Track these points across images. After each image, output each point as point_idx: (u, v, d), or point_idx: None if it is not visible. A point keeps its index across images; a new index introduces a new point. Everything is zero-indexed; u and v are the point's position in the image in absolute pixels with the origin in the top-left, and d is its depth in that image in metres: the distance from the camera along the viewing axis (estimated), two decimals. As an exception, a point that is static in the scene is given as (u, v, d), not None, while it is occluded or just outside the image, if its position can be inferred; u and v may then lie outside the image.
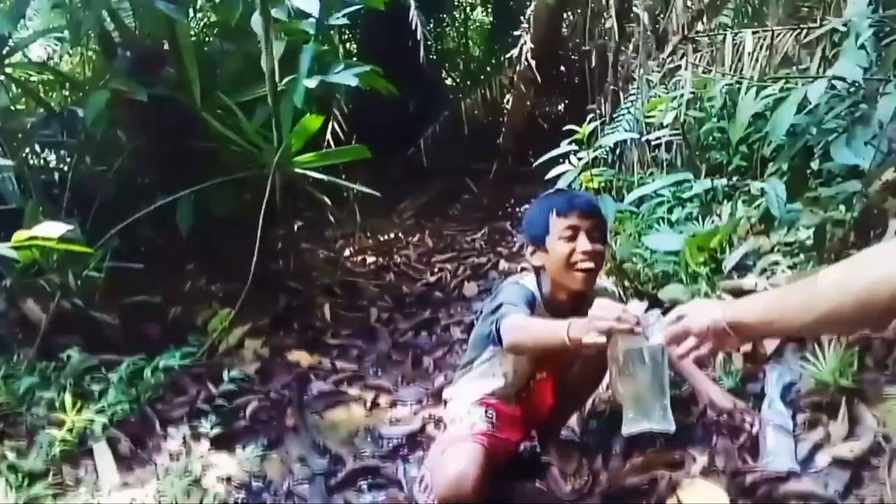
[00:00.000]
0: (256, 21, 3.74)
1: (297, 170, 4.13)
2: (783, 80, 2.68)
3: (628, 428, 1.84)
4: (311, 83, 3.98)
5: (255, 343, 3.82)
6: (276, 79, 3.90)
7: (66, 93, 4.95)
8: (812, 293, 1.35)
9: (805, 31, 3.53)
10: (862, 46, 2.35)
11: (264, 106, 4.08)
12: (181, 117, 4.07)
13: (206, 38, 5.33)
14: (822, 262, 2.72)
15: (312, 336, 4.12)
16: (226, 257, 4.53)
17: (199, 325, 3.86)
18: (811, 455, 2.23)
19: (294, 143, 4.05)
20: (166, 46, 4.21)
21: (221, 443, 2.89)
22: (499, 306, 2.19)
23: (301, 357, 3.77)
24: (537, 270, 2.38)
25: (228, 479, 2.67)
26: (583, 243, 2.20)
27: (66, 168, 4.21)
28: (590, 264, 2.21)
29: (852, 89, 2.35)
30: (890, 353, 2.29)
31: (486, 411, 2.40)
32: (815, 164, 2.85)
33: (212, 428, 2.90)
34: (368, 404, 3.36)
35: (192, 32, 4.82)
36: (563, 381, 2.53)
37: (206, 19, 5.81)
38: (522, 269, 4.99)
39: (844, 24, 2.65)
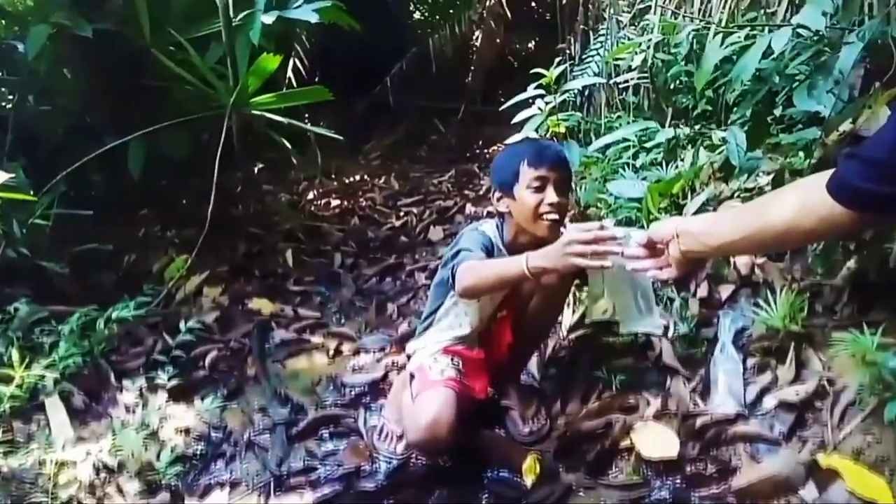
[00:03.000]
0: (209, -51, 3.65)
1: (254, 111, 4.09)
2: (749, 28, 2.71)
3: (626, 329, 2.16)
4: (269, 18, 3.93)
5: (213, 291, 3.84)
6: (231, 13, 3.85)
7: (4, 23, 4.81)
8: (750, 212, 1.60)
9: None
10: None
11: (219, 42, 4.03)
12: (129, 54, 3.99)
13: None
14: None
15: (273, 283, 4.15)
16: (181, 202, 4.52)
17: (155, 273, 3.88)
18: (759, 398, 2.37)
19: (251, 83, 4.01)
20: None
21: (179, 394, 2.93)
22: (457, 253, 2.29)
23: (262, 305, 3.79)
24: (501, 215, 2.47)
25: (187, 431, 2.72)
26: (550, 195, 2.28)
27: (7, 107, 4.10)
28: (556, 216, 2.30)
29: (816, 37, 2.40)
30: (839, 300, 2.40)
31: (452, 359, 2.49)
32: (776, 111, 2.92)
33: (169, 379, 2.94)
34: (331, 352, 3.41)
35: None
36: (520, 318, 2.62)
37: (155, -54, 5.64)
38: (489, 213, 5.06)
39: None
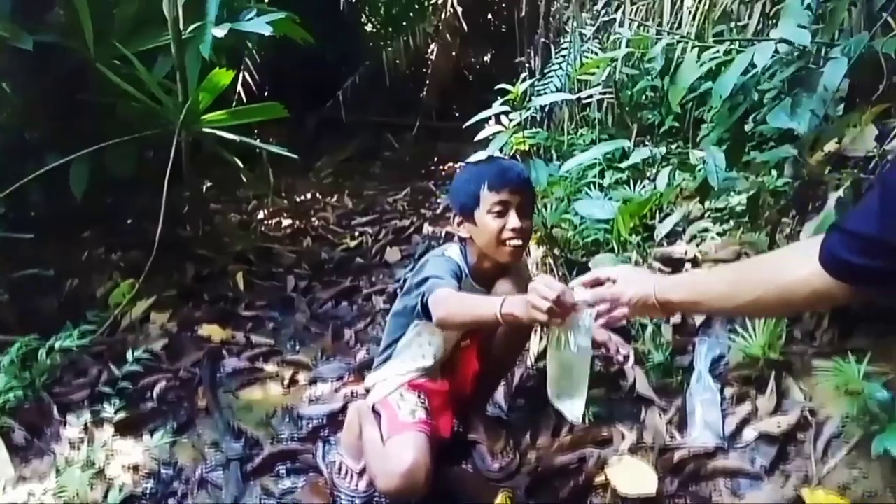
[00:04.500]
0: (157, -41, 3.57)
1: (206, 129, 4.01)
2: (727, 42, 2.73)
3: (550, 397, 2.03)
4: (220, 31, 3.86)
5: (161, 317, 3.75)
6: (181, 26, 3.77)
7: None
8: (737, 283, 1.54)
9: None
10: (808, 6, 2.42)
11: (167, 56, 3.95)
12: (72, 68, 3.89)
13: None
14: (755, 230, 2.84)
15: (224, 308, 4.06)
16: (127, 223, 4.40)
17: (99, 298, 3.77)
18: (738, 430, 2.36)
19: (202, 99, 3.93)
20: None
21: (126, 428, 2.83)
22: (424, 280, 2.24)
23: (212, 331, 3.71)
24: (463, 240, 2.45)
25: (135, 468, 2.63)
26: (513, 220, 2.26)
27: (-59, 124, 3.97)
28: (519, 242, 2.29)
29: (797, 53, 2.41)
30: (819, 326, 2.41)
31: (419, 396, 2.45)
32: (748, 128, 2.94)
33: (116, 412, 2.84)
34: (286, 382, 3.33)
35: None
36: (486, 347, 2.59)
37: (99, -45, 5.53)
38: (447, 233, 5.03)
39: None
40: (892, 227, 1.15)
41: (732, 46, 2.49)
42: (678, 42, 2.87)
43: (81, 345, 3.12)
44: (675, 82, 2.48)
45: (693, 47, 2.50)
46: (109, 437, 2.76)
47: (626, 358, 2.54)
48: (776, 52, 2.30)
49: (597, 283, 1.83)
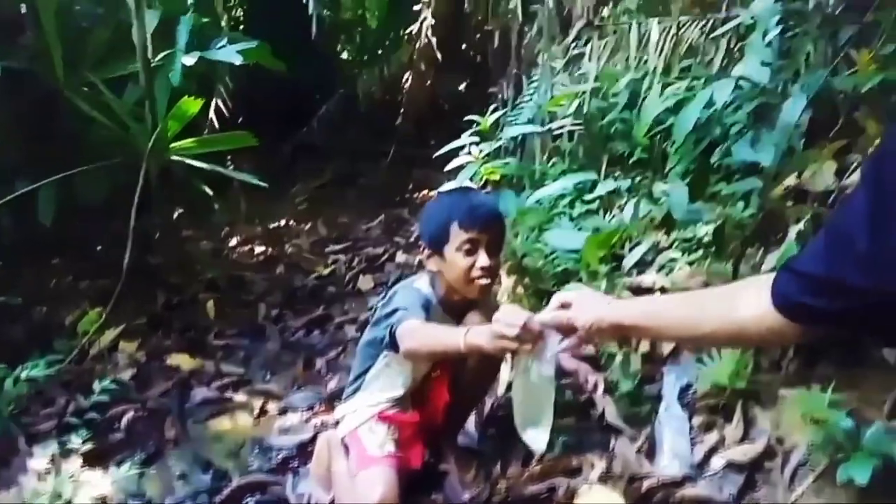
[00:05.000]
0: (127, -15, 3.58)
1: (174, 157, 4.02)
2: (690, 78, 2.79)
3: (517, 426, 2.04)
4: (190, 60, 3.89)
5: (129, 346, 3.74)
6: (150, 54, 3.79)
7: None
8: (691, 314, 1.55)
9: (711, 22, 3.67)
10: (769, 44, 2.49)
11: (137, 83, 3.96)
12: (41, 94, 3.90)
13: (71, 3, 5.09)
14: (721, 261, 2.90)
15: (194, 337, 4.05)
16: (97, 250, 4.39)
17: (68, 326, 3.74)
18: (707, 458, 2.38)
19: (171, 127, 3.94)
20: (24, 10, 4.01)
21: (94, 459, 2.81)
22: (393, 311, 2.28)
23: (182, 360, 3.70)
24: (432, 272, 2.47)
25: (103, 500, 2.61)
26: (482, 259, 2.29)
27: None
28: (488, 280, 2.33)
29: (758, 89, 2.48)
30: (784, 355, 2.45)
31: (389, 427, 2.46)
32: (714, 159, 3.00)
33: (83, 443, 2.82)
34: (256, 412, 3.32)
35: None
36: (457, 378, 2.60)
37: (70, -19, 5.54)
38: (420, 262, 5.05)
39: (752, 18, 2.79)
40: (840, 266, 1.15)
41: (695, 83, 2.56)
42: (643, 77, 2.93)
43: (48, 374, 3.09)
44: (640, 117, 2.54)
45: (658, 82, 2.56)
46: (77, 469, 2.73)
47: (596, 386, 2.57)
48: (739, 87, 2.36)
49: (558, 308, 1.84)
